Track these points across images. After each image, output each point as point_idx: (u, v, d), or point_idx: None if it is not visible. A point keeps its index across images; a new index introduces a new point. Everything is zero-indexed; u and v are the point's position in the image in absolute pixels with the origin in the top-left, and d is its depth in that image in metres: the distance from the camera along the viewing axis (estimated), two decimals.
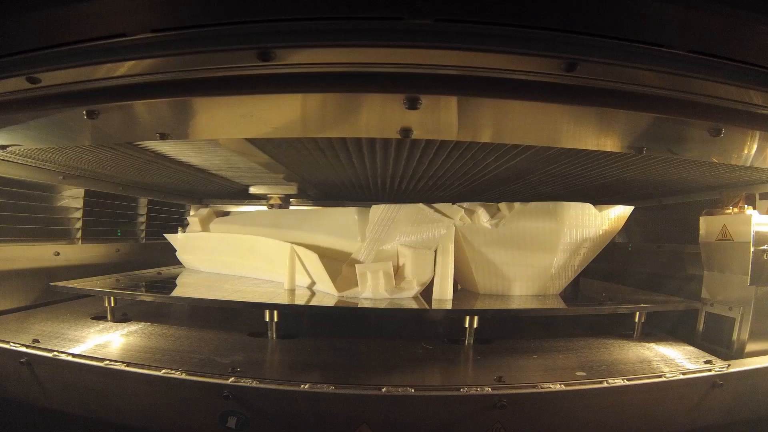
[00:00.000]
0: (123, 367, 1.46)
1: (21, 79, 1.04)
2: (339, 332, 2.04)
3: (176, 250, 3.04)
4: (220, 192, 3.25)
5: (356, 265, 2.03)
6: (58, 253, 2.42)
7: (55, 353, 1.54)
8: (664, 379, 1.50)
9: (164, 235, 3.01)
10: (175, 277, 2.66)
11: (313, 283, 2.21)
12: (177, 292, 2.24)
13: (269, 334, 1.86)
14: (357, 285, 2.01)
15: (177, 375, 1.41)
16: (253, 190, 2.94)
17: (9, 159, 2.02)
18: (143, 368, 1.46)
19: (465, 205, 2.12)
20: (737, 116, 1.13)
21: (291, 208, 3.28)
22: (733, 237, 1.81)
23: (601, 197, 2.50)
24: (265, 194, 3.05)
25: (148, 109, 1.14)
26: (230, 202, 3.63)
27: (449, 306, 1.94)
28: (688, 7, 0.85)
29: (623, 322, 2.10)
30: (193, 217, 3.01)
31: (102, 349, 1.65)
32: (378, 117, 1.20)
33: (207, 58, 0.96)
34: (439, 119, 1.16)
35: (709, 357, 1.69)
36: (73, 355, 1.54)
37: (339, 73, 1.00)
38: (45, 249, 2.37)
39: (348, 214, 2.45)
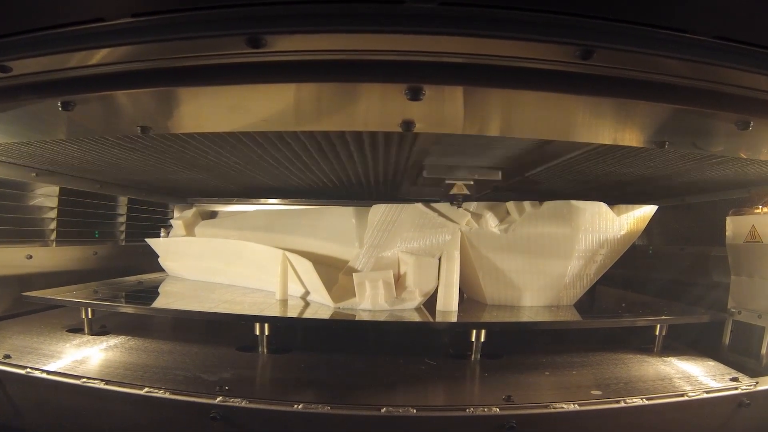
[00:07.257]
0: (102, 386, 1.44)
1: None
2: (335, 347, 2.02)
3: (158, 256, 3.02)
4: (206, 190, 3.22)
5: (354, 274, 2.01)
6: (31, 257, 2.39)
7: (28, 370, 1.52)
8: (686, 398, 1.48)
9: (146, 240, 3.00)
10: (157, 286, 2.65)
11: (307, 293, 2.19)
12: (159, 303, 2.22)
13: (260, 349, 1.84)
14: (355, 295, 2.00)
15: (160, 394, 1.39)
16: None
17: None
18: (123, 386, 1.44)
19: (471, 208, 2.11)
20: None
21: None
22: (762, 238, 1.80)
23: (619, 196, 2.48)
24: None
25: (128, 100, 1.13)
26: (217, 201, 3.60)
27: (454, 318, 1.93)
28: None
29: (642, 335, 2.07)
30: (177, 220, 3.00)
31: (79, 365, 1.63)
32: (378, 109, 1.18)
33: (192, 45, 0.95)
34: (444, 111, 1.15)
35: (735, 374, 1.67)
36: (48, 372, 1.52)
37: (335, 61, 0.99)
38: (16, 252, 2.33)
39: (345, 216, 2.43)
